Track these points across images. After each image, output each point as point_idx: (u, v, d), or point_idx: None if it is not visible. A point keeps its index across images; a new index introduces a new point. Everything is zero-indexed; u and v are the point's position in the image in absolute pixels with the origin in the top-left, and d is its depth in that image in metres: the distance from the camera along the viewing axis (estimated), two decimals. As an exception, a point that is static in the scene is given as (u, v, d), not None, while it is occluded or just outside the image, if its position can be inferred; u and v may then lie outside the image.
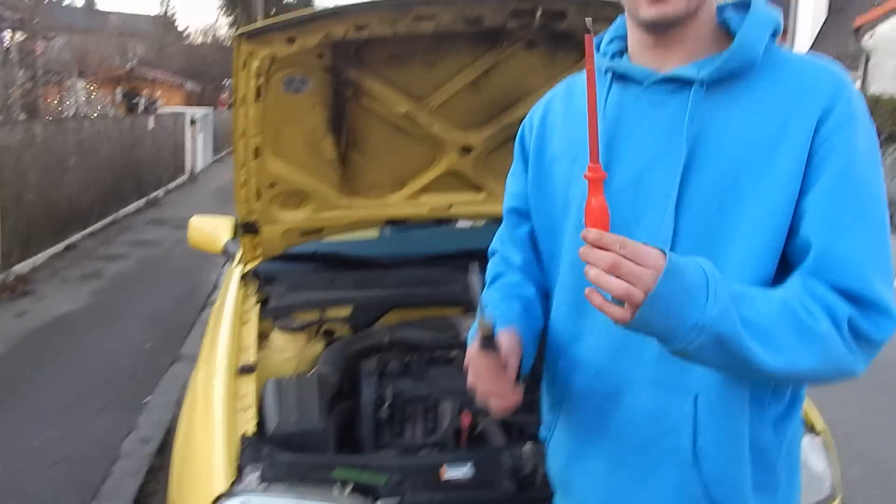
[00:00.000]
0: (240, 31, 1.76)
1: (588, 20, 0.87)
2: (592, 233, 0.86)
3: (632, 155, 1.05)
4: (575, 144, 1.11)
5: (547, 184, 1.17)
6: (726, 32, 1.06)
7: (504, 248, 1.32)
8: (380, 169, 2.31)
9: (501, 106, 2.15)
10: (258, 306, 2.23)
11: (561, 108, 1.19)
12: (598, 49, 1.15)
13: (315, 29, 1.78)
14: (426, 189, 2.39)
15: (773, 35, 1.03)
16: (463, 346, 2.29)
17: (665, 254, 0.84)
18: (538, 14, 1.79)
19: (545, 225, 1.19)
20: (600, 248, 0.84)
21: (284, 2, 31.52)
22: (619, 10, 1.84)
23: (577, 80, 1.19)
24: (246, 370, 1.83)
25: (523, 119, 2.17)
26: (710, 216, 0.99)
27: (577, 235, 1.06)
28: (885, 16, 13.51)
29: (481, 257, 2.56)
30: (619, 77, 1.08)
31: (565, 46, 1.98)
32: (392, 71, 2.00)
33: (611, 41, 1.15)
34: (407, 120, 2.14)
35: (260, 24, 1.80)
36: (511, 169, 1.29)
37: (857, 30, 13.85)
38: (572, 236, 1.10)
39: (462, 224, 2.75)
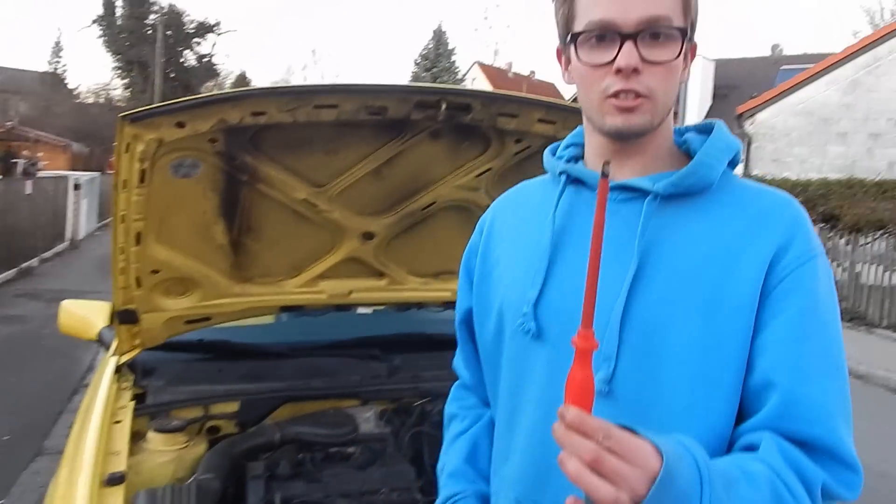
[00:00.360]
0: (124, 113, 1.63)
1: (607, 164, 0.80)
2: (572, 412, 0.75)
3: (576, 262, 1.00)
4: (519, 249, 1.10)
5: (488, 290, 1.14)
6: (684, 153, 1.06)
7: (458, 366, 1.31)
8: (275, 255, 2.19)
9: (405, 194, 2.10)
10: (133, 403, 2.03)
11: (509, 215, 1.17)
12: (553, 154, 1.14)
13: (208, 114, 1.68)
14: (325, 275, 2.29)
15: (733, 164, 1.03)
16: (361, 442, 2.19)
17: (658, 450, 0.75)
18: (443, 107, 1.77)
19: (485, 334, 1.15)
20: (580, 432, 0.74)
21: (185, 64, 30.99)
22: (522, 106, 1.87)
23: (530, 188, 1.18)
24: (114, 480, 1.64)
25: (428, 206, 2.14)
26: (655, 334, 0.94)
27: (512, 340, 1.06)
28: (764, 105, 14.64)
29: (381, 344, 2.51)
30: (573, 181, 1.07)
31: (470, 137, 1.96)
32: (291, 157, 1.92)
33: (567, 147, 1.13)
34: (306, 206, 2.05)
35: (147, 107, 1.67)
36: (458, 283, 1.26)
37: (740, 116, 14.93)
38: (509, 344, 1.08)
39: (362, 310, 2.65)
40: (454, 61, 33.85)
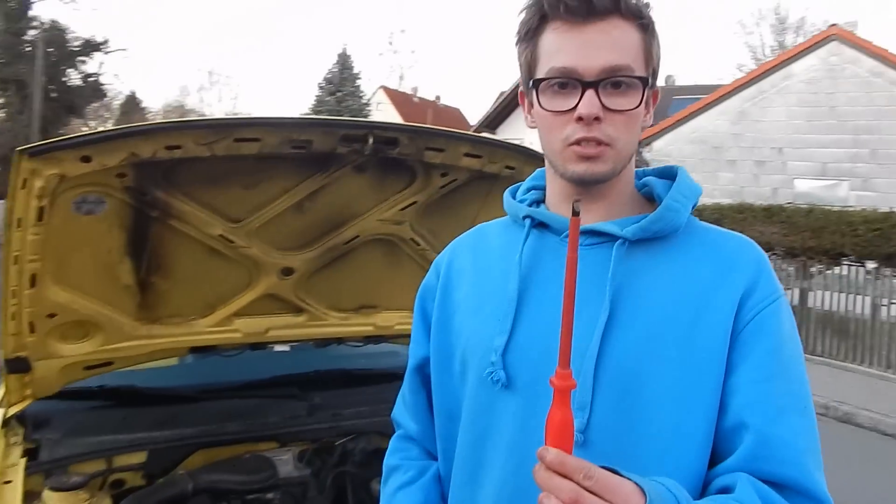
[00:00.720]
0: (22, 147, 1.48)
1: (577, 202, 0.79)
2: (552, 453, 0.75)
3: (544, 308, 0.99)
4: (480, 296, 1.07)
5: (448, 335, 1.10)
6: (645, 196, 1.06)
7: (402, 416, 1.24)
8: (187, 293, 2.06)
9: (327, 228, 2.02)
10: (24, 460, 1.85)
11: (468, 259, 1.14)
12: (513, 197, 1.13)
13: (117, 148, 1.56)
14: (240, 313, 2.17)
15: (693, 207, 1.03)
16: (281, 486, 2.08)
17: (642, 490, 0.74)
18: (370, 141, 1.71)
19: (443, 381, 1.11)
20: (560, 473, 0.73)
21: (69, 84, 29.45)
22: (449, 140, 1.84)
23: (488, 230, 1.16)
24: (7, 548, 1.48)
25: (350, 240, 2.07)
26: (629, 382, 0.93)
27: (477, 389, 1.03)
28: (660, 133, 15.31)
29: (299, 382, 2.40)
30: (538, 225, 1.05)
31: (395, 171, 1.91)
32: (207, 192, 1.81)
33: (528, 190, 1.12)
34: (222, 242, 1.93)
35: (48, 140, 1.53)
36: (412, 327, 1.22)
37: (638, 144, 15.52)
38: (474, 394, 1.04)
39: (279, 348, 2.53)
40: (359, 85, 33.67)
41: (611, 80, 0.93)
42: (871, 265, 8.32)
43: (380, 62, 58.03)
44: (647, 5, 0.98)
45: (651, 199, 1.06)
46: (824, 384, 7.58)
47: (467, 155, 1.86)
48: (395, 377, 2.58)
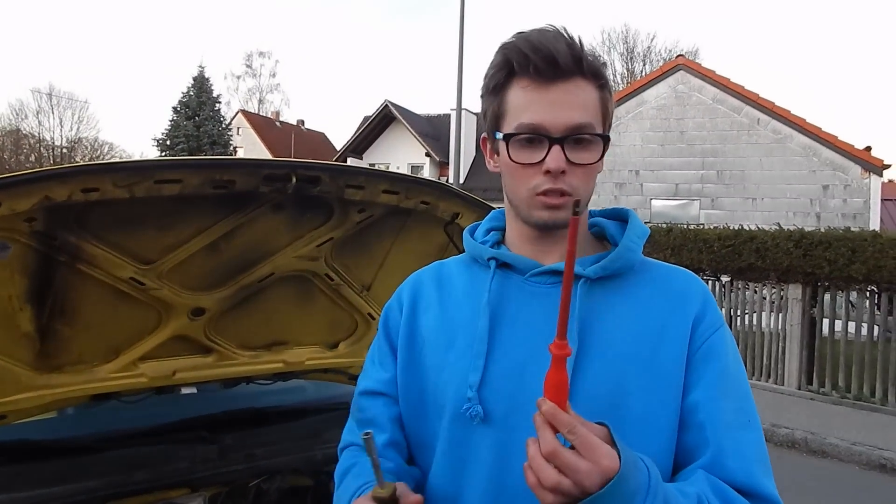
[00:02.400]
0: None
1: (577, 203, 0.88)
2: (547, 405, 0.85)
3: (514, 344, 1.06)
4: (449, 330, 1.13)
5: (418, 368, 1.15)
6: (595, 236, 1.16)
7: (351, 437, 1.26)
8: (90, 338, 1.96)
9: (242, 266, 1.99)
10: None
11: (434, 292, 1.19)
12: (472, 236, 1.20)
13: (30, 191, 1.48)
14: (146, 356, 2.08)
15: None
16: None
17: (618, 452, 0.83)
18: (293, 180, 1.72)
19: (415, 411, 1.15)
20: (551, 424, 0.84)
21: None
22: (369, 178, 1.88)
23: (449, 268, 1.22)
24: None
25: (265, 277, 2.05)
26: (601, 410, 0.99)
27: (453, 423, 1.08)
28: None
29: (209, 424, 2.33)
30: (501, 265, 1.12)
31: (313, 208, 1.92)
32: (119, 235, 1.74)
33: (488, 231, 1.20)
34: (131, 284, 1.87)
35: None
36: (373, 350, 1.26)
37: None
38: (449, 429, 1.09)
39: (187, 390, 2.45)
40: (218, 109, 32.67)
41: (574, 137, 1.03)
42: (725, 279, 9.02)
43: (238, 86, 56.53)
44: (605, 65, 1.09)
45: (601, 238, 1.17)
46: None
47: (386, 192, 1.90)
48: (305, 413, 2.57)
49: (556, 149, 1.02)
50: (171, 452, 2.18)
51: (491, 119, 1.10)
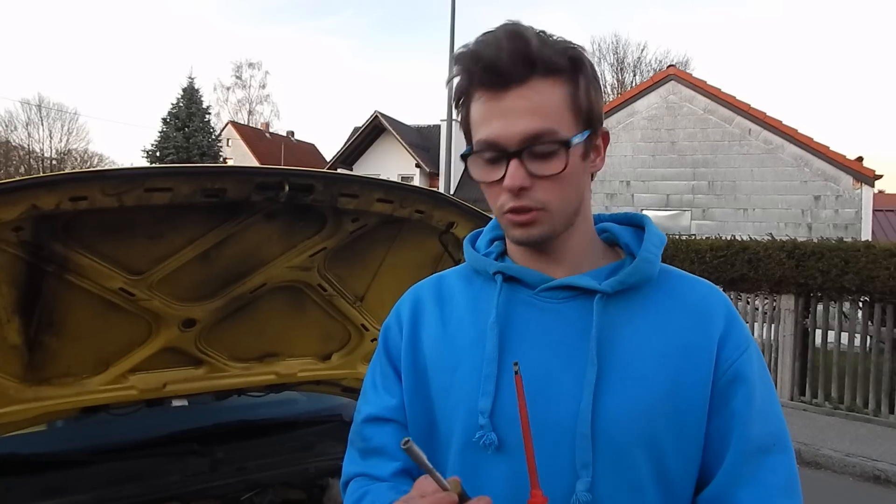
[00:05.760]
0: None
1: (516, 364, 0.87)
2: None
3: (527, 365, 0.96)
4: (454, 353, 1.05)
5: (424, 394, 1.07)
6: (606, 242, 1.09)
7: (366, 465, 1.12)
8: (80, 350, 1.93)
9: (234, 276, 1.97)
10: None
11: (435, 309, 1.11)
12: (473, 246, 1.13)
13: (16, 200, 1.46)
14: (136, 368, 2.06)
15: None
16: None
17: None
18: (286, 188, 1.70)
19: (425, 439, 1.06)
20: None
21: None
22: (363, 187, 1.86)
23: (449, 280, 1.14)
24: None
25: (257, 288, 2.02)
26: (624, 440, 0.94)
27: (465, 452, 1.01)
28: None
29: (200, 437, 2.30)
30: (508, 279, 1.04)
31: (305, 217, 1.90)
32: (108, 244, 1.72)
33: (491, 241, 1.12)
34: (121, 295, 1.84)
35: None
36: (374, 373, 1.16)
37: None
38: (460, 458, 1.01)
39: (178, 402, 2.41)
40: (208, 120, 32.61)
41: (533, 148, 0.93)
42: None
43: (228, 97, 56.39)
44: (568, 53, 0.95)
45: (612, 245, 1.09)
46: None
47: (380, 200, 1.88)
48: (298, 426, 2.54)
49: (513, 164, 0.93)
50: (162, 466, 2.15)
51: (466, 134, 1.03)
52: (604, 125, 1.02)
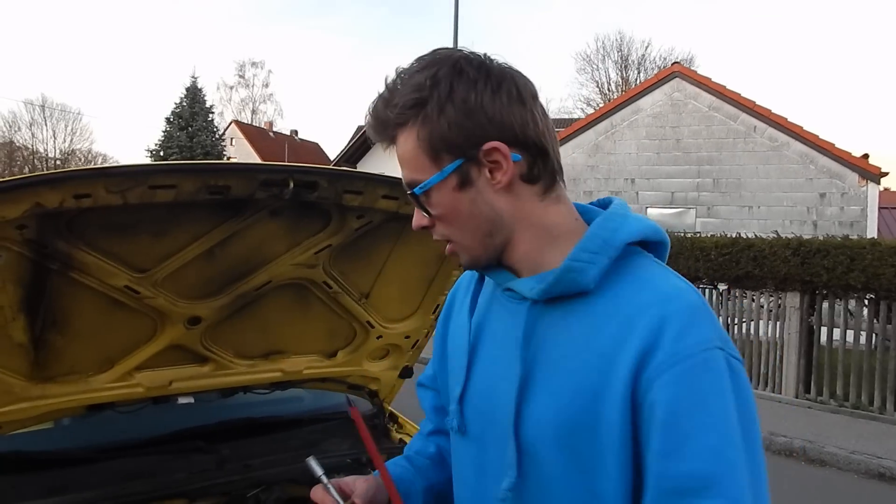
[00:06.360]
0: None
1: (349, 401, 0.96)
2: None
3: (489, 359, 1.06)
4: (453, 341, 1.16)
5: (443, 371, 1.22)
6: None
7: (421, 423, 1.39)
8: (85, 348, 1.93)
9: (239, 274, 1.97)
10: None
11: (463, 297, 1.19)
12: None
13: (20, 198, 1.46)
14: (142, 366, 2.06)
15: (646, 242, 1.01)
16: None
17: None
18: (290, 185, 1.70)
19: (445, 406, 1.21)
20: None
21: None
22: (368, 183, 1.85)
23: (468, 273, 1.20)
24: None
25: (262, 286, 2.02)
26: (543, 446, 0.96)
27: (452, 433, 1.12)
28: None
29: (206, 434, 2.30)
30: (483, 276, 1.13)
31: (310, 214, 1.90)
32: (112, 242, 1.72)
33: None
34: (126, 293, 1.84)
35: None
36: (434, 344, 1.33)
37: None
38: (451, 433, 1.13)
39: (184, 400, 2.42)
40: (211, 119, 32.66)
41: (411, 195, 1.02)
42: (722, 287, 9.00)
43: (231, 96, 56.50)
44: (412, 97, 0.96)
45: None
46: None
47: (385, 197, 1.88)
48: (303, 423, 2.54)
49: (416, 208, 1.03)
50: (168, 463, 2.16)
51: None
52: (497, 136, 0.96)
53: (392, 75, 0.99)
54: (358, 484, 1.15)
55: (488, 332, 1.07)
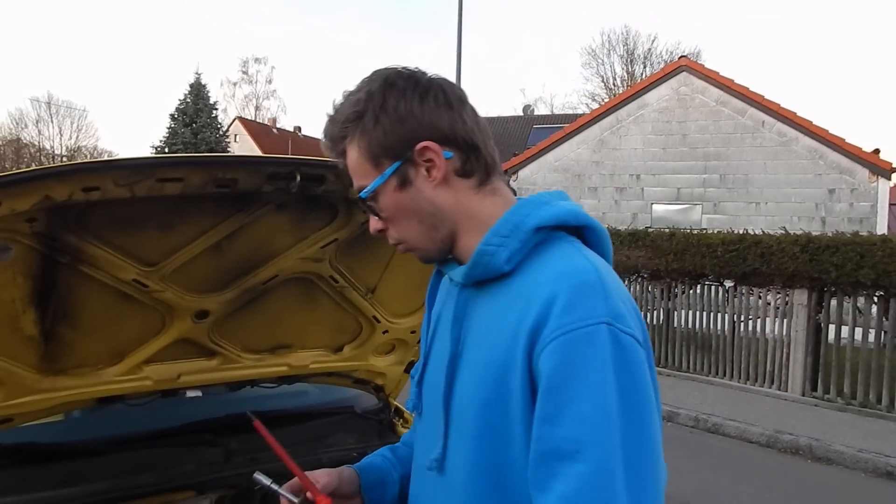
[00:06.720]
0: None
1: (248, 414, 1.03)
2: None
3: (439, 342, 1.16)
4: (423, 339, 1.26)
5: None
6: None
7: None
8: (94, 341, 1.95)
9: (245, 268, 1.98)
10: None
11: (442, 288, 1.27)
12: None
13: (30, 191, 1.47)
14: (151, 360, 2.07)
15: (567, 224, 1.08)
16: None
17: None
18: (297, 178, 1.71)
19: None
20: None
21: None
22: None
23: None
24: None
25: (269, 280, 2.03)
26: (462, 420, 1.05)
27: (416, 415, 1.25)
28: (525, 162, 15.89)
29: (214, 427, 2.32)
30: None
31: (317, 208, 1.91)
32: (121, 235, 1.73)
33: None
34: (134, 287, 1.85)
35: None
36: None
37: (505, 172, 16.04)
38: (416, 416, 1.27)
39: (192, 393, 2.44)
40: (215, 116, 32.73)
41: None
42: (728, 284, 8.98)
43: (235, 92, 56.61)
44: (351, 110, 1.09)
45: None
46: (692, 398, 8.08)
47: (392, 190, 1.89)
48: (310, 417, 2.55)
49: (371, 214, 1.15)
50: (177, 455, 2.18)
51: None
52: (428, 137, 1.07)
53: (338, 97, 1.12)
54: (320, 476, 1.30)
55: (442, 320, 1.17)
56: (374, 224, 1.15)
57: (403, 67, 1.10)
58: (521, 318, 0.97)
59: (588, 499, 0.87)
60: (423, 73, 1.10)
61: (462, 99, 1.10)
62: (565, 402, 0.90)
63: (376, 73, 1.10)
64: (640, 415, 0.91)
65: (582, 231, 1.10)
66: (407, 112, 1.05)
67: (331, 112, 1.12)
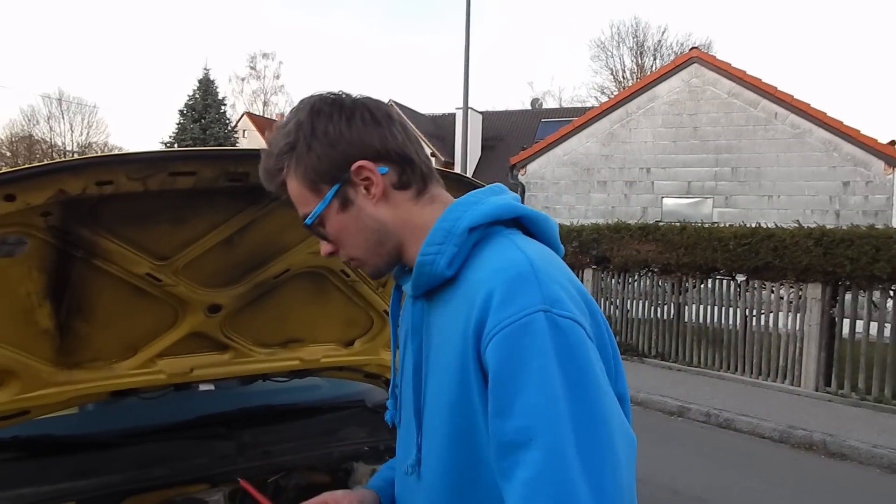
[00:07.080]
0: None
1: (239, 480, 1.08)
2: None
3: (407, 354, 1.17)
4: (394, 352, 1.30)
5: None
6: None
7: None
8: (108, 335, 1.97)
9: (257, 262, 1.99)
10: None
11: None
12: None
13: (45, 185, 1.48)
14: (164, 353, 2.09)
15: (508, 220, 1.10)
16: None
17: None
18: None
19: None
20: None
21: None
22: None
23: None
24: None
25: (281, 274, 2.05)
26: (431, 427, 1.08)
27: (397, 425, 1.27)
28: (533, 156, 15.86)
29: (227, 421, 2.34)
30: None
31: (327, 203, 1.91)
32: (134, 229, 1.74)
33: None
34: (147, 281, 1.87)
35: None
36: None
37: (513, 167, 16.04)
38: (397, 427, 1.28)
39: (205, 387, 2.46)
40: (224, 111, 32.85)
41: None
42: (740, 278, 8.93)
43: (243, 88, 56.78)
44: (284, 141, 1.13)
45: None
46: (703, 393, 8.05)
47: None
48: (321, 411, 2.57)
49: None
50: (190, 448, 2.20)
51: None
52: (361, 156, 1.10)
53: (272, 132, 1.16)
54: (341, 497, 1.33)
55: (405, 331, 1.20)
56: (325, 248, 1.18)
57: (328, 92, 1.14)
58: (468, 320, 0.99)
59: (546, 482, 0.89)
60: (349, 96, 1.14)
61: (389, 115, 1.14)
62: (512, 394, 0.92)
63: (302, 101, 1.14)
64: (587, 393, 0.92)
65: (520, 221, 1.12)
66: (337, 135, 1.09)
67: (265, 148, 1.17)
